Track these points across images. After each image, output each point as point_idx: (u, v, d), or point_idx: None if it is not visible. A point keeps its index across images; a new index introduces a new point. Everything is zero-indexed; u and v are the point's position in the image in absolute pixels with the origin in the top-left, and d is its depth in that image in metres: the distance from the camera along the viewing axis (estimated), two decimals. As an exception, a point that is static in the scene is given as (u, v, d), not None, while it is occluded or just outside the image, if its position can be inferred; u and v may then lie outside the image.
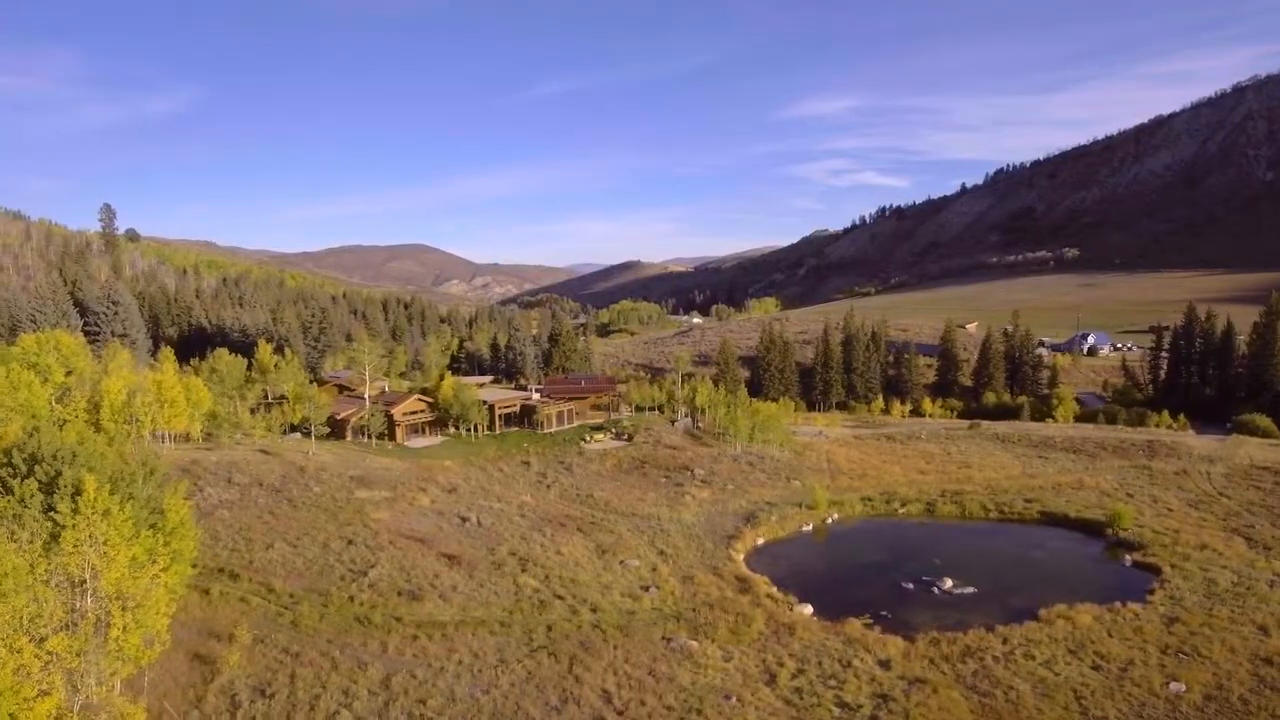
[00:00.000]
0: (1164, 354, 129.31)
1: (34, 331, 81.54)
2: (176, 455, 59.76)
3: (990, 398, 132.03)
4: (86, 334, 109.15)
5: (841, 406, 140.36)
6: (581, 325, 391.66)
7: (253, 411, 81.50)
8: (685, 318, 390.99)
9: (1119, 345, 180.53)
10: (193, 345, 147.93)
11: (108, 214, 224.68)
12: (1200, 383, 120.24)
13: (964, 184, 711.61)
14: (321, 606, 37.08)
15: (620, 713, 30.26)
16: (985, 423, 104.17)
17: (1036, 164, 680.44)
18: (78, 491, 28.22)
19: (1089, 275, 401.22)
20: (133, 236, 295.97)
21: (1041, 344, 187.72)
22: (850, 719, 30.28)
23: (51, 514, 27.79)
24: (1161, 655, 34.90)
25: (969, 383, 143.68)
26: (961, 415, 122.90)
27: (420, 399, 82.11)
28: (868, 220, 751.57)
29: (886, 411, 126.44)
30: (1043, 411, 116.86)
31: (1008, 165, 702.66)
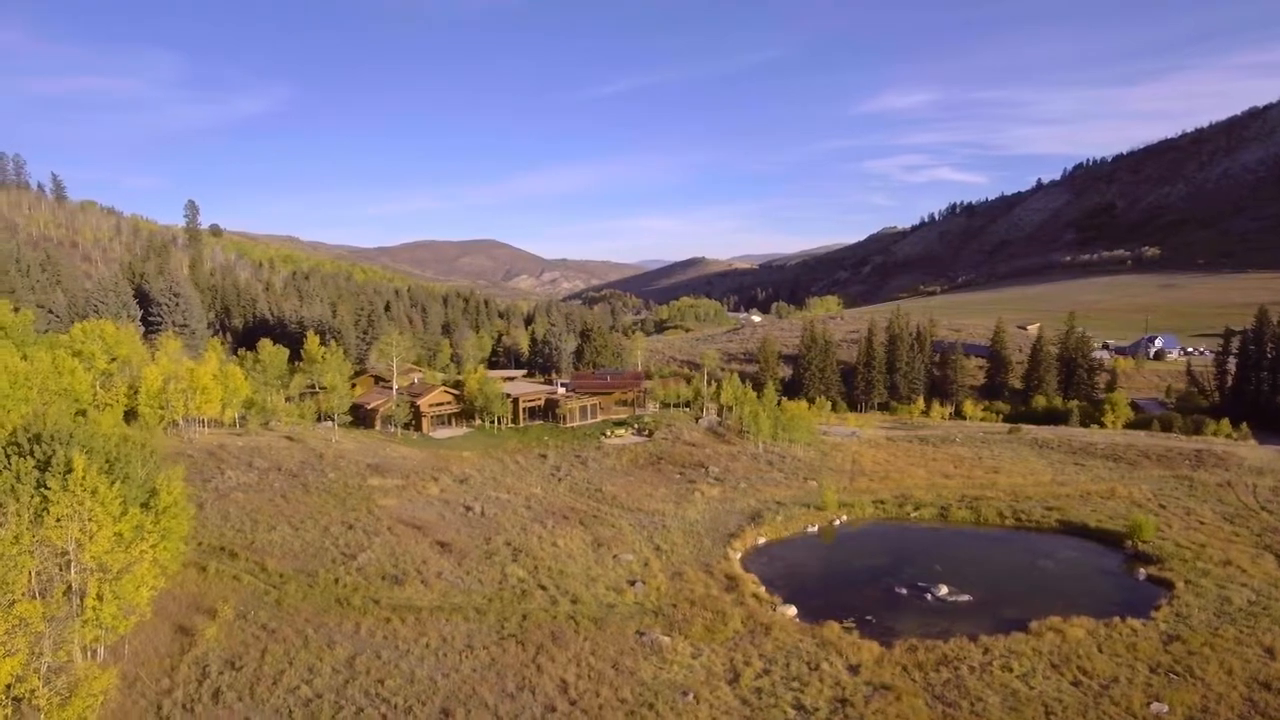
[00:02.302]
0: (1232, 358, 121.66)
1: (97, 321, 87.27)
2: (206, 439, 63.07)
3: (1040, 401, 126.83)
4: (149, 324, 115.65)
5: (883, 407, 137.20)
6: (639, 321, 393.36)
7: (295, 400, 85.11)
8: (744, 315, 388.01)
9: (1189, 349, 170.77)
10: (255, 335, 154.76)
11: (192, 210, 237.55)
12: (1271, 390, 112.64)
13: (1039, 180, 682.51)
14: (307, 587, 38.72)
15: (573, 703, 30.68)
16: (1026, 427, 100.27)
17: (1118, 158, 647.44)
18: (69, 470, 30.23)
19: (1168, 276, 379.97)
20: (215, 231, 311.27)
21: (1105, 346, 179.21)
22: (804, 722, 30.00)
23: (43, 490, 29.86)
24: (1150, 674, 33.24)
25: (1019, 385, 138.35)
26: (1008, 419, 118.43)
27: (447, 391, 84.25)
28: (936, 217, 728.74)
29: (926, 413, 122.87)
30: (1093, 417, 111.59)
31: (1087, 160, 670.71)
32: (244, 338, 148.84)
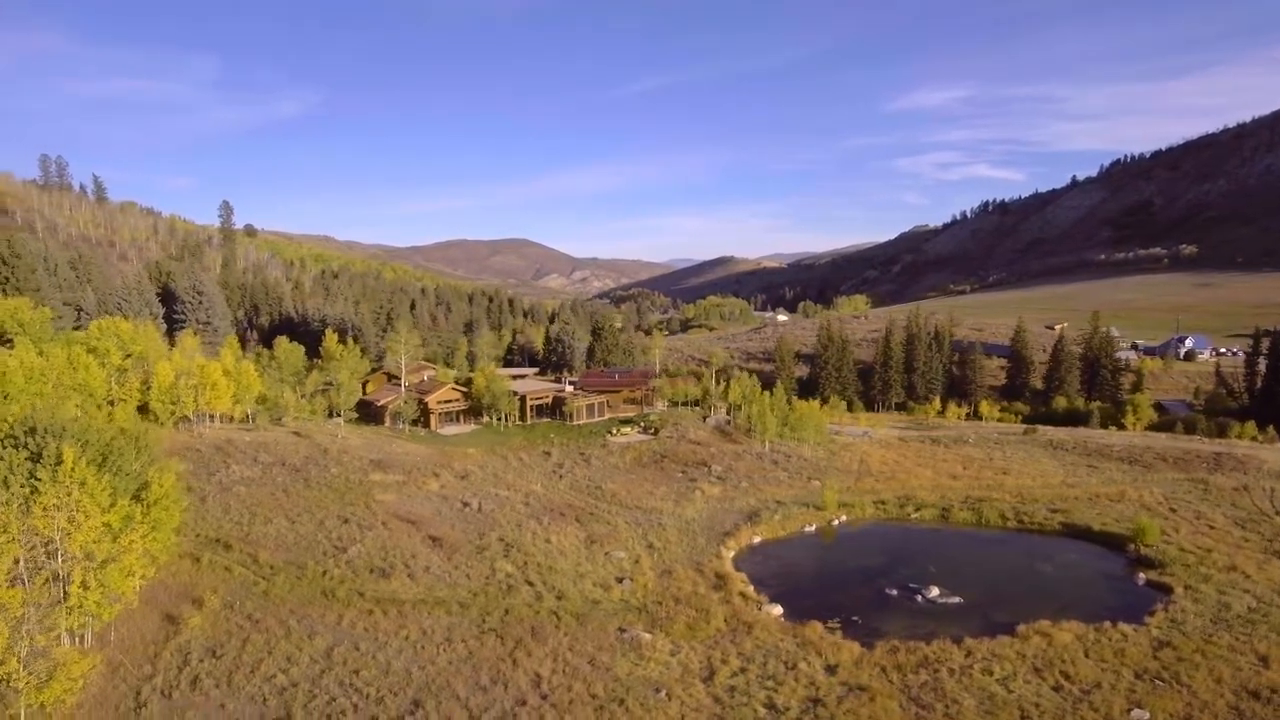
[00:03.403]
0: (1262, 359, 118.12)
1: (112, 319, 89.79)
2: (216, 434, 64.55)
3: (1061, 402, 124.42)
4: (174, 321, 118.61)
5: (900, 407, 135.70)
6: (665, 320, 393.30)
7: (308, 396, 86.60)
8: (769, 314, 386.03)
9: (1221, 350, 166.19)
10: (280, 333, 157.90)
11: (226, 210, 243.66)
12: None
13: (1074, 177, 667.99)
14: (295, 579, 39.49)
15: (544, 697, 30.93)
16: (1042, 428, 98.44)
17: (1156, 154, 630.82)
18: (60, 462, 31.23)
19: (1206, 274, 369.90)
20: (250, 231, 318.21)
21: (1134, 347, 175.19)
22: (774, 721, 29.92)
23: (34, 481, 30.91)
24: (1135, 680, 32.54)
25: (1040, 386, 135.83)
26: (1027, 420, 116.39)
27: (455, 388, 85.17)
28: (968, 215, 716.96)
29: (942, 413, 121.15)
30: (1114, 418, 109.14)
31: (1125, 156, 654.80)
32: (269, 335, 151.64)
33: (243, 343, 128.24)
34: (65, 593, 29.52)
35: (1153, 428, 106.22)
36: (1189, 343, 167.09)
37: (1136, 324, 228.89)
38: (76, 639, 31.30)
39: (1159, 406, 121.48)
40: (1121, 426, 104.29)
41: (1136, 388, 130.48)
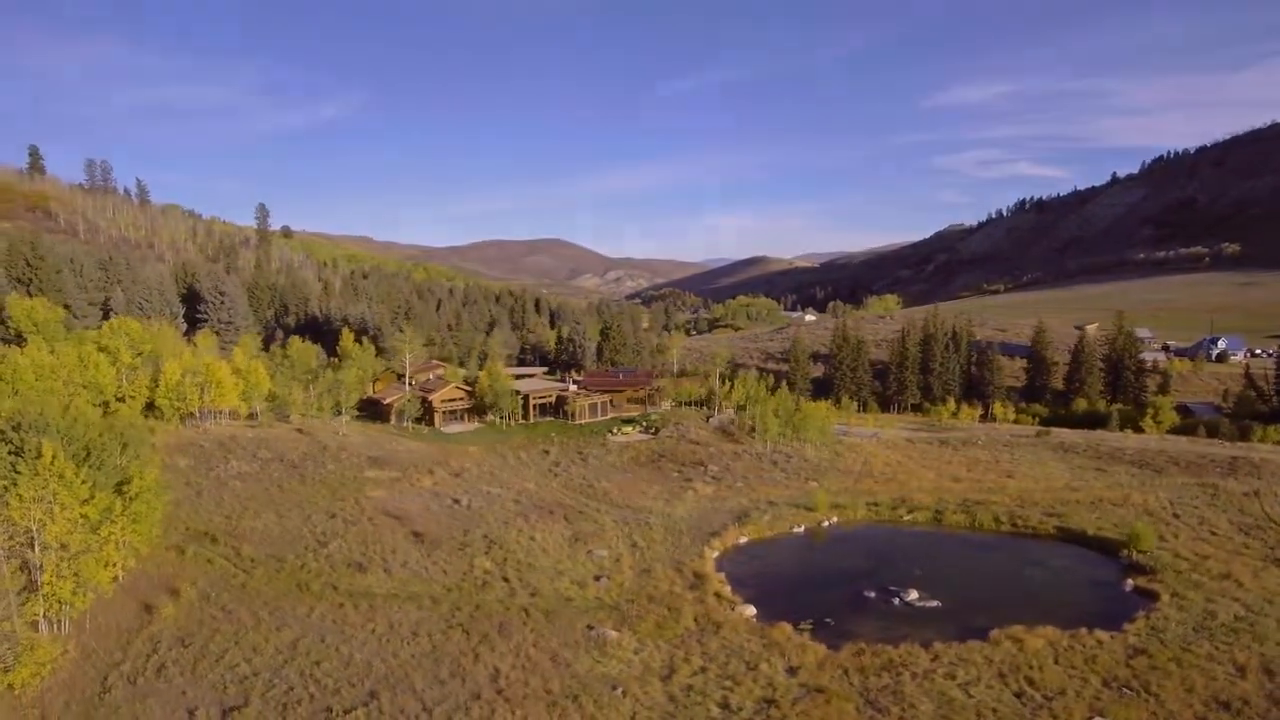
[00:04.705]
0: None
1: (143, 319, 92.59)
2: (220, 431, 66.22)
3: (1081, 404, 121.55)
4: (197, 320, 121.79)
5: (916, 408, 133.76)
6: (693, 320, 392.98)
7: (319, 394, 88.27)
8: (797, 314, 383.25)
9: (1256, 351, 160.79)
10: (305, 332, 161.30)
11: (262, 212, 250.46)
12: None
13: (1114, 174, 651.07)
14: (274, 572, 40.46)
15: (499, 691, 31.30)
16: (1057, 431, 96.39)
17: (1201, 150, 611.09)
18: (40, 456, 32.45)
19: (1249, 274, 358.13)
20: (286, 233, 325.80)
21: (1165, 348, 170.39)
22: (726, 720, 29.92)
23: (15, 474, 32.16)
24: (1102, 688, 31.87)
25: (1061, 387, 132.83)
26: (1044, 422, 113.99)
27: (459, 387, 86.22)
28: (1004, 213, 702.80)
29: (955, 415, 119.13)
30: (1135, 421, 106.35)
31: (1168, 152, 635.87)
32: (295, 334, 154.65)
33: (269, 341, 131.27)
34: (38, 581, 30.67)
35: (1175, 431, 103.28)
36: (1222, 344, 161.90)
37: (1173, 324, 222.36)
38: (54, 625, 32.49)
39: (1184, 409, 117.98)
40: (1140, 429, 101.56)
41: (1163, 390, 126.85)
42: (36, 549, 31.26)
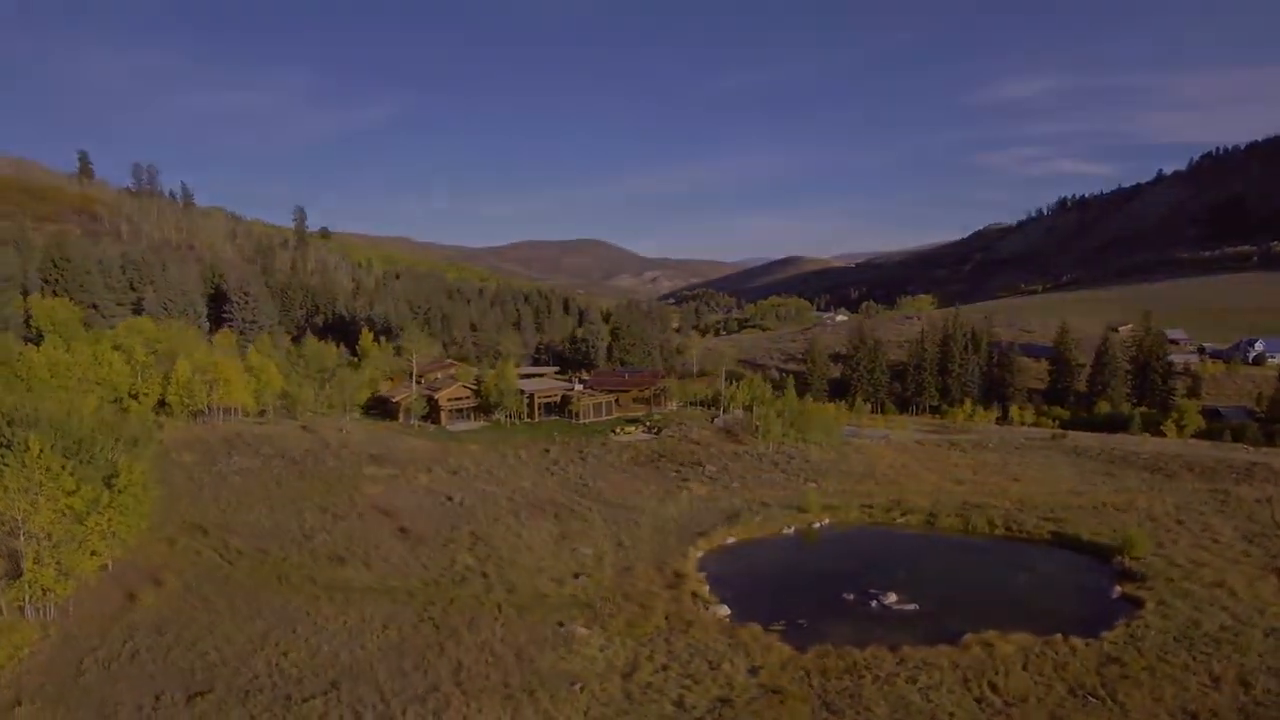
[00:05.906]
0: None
1: (166, 317, 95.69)
2: (228, 427, 68.16)
3: (1104, 407, 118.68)
4: (223, 320, 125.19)
5: (934, 410, 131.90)
6: (724, 320, 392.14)
7: (329, 392, 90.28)
8: (828, 315, 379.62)
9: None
10: (332, 331, 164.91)
11: (300, 214, 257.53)
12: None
13: (1159, 171, 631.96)
14: (258, 564, 41.62)
15: (458, 684, 31.83)
16: (1074, 434, 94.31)
17: (1252, 146, 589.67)
18: (28, 449, 33.91)
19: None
20: (324, 234, 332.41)
21: (1201, 350, 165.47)
22: (678, 718, 30.07)
23: (4, 465, 33.66)
24: (1067, 696, 31.27)
25: (1085, 389, 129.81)
26: (1064, 424, 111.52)
27: (465, 386, 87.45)
28: (1045, 212, 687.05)
29: (971, 417, 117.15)
30: (1158, 424, 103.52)
31: (1216, 149, 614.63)
32: (322, 333, 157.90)
33: (298, 340, 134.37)
34: (23, 569, 32.08)
35: (1200, 435, 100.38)
36: (1259, 346, 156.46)
37: (1215, 325, 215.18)
38: (40, 612, 33.90)
39: (1214, 413, 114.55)
40: (1161, 433, 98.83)
41: (1193, 393, 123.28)
42: (21, 538, 32.71)
